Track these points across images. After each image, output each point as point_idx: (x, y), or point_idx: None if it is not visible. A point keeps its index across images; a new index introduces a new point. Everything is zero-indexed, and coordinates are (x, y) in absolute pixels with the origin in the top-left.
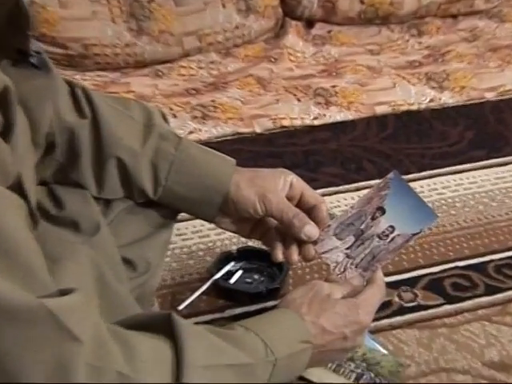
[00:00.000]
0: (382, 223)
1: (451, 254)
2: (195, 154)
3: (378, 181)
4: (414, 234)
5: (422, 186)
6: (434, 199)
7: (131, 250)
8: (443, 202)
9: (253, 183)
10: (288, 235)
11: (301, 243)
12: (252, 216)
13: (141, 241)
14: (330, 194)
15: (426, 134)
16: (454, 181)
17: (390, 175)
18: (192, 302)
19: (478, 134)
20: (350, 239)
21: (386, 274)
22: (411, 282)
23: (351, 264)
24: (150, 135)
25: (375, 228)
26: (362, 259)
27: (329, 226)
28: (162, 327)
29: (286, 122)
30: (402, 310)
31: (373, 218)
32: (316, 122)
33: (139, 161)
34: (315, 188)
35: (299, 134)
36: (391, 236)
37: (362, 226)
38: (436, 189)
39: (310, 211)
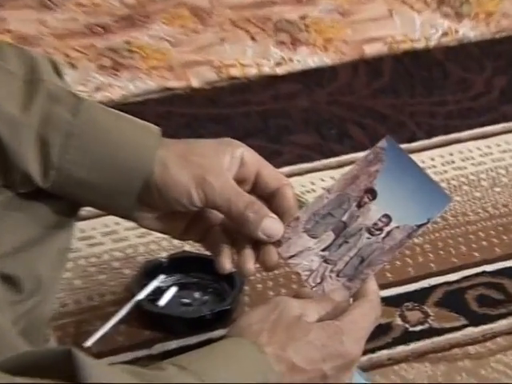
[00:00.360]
0: (373, 212)
1: (476, 254)
2: (102, 122)
3: (366, 152)
4: (420, 226)
5: (432, 159)
6: (450, 176)
7: (12, 262)
8: (463, 180)
9: (187, 161)
10: (240, 234)
11: (258, 245)
12: (186, 208)
13: (26, 249)
14: (300, 174)
15: (437, 83)
16: (479, 149)
17: (382, 143)
18: (105, 334)
19: None
20: (329, 236)
21: (383, 286)
22: (419, 297)
23: (331, 271)
24: (34, 95)
25: (363, 219)
26: (345, 264)
27: (297, 218)
28: (60, 369)
29: (235, 72)
30: (407, 337)
31: (359, 205)
32: (279, 71)
33: (20, 132)
34: (278, 165)
35: (255, 87)
36: (386, 229)
37: (345, 218)
38: (452, 161)
39: (271, 198)
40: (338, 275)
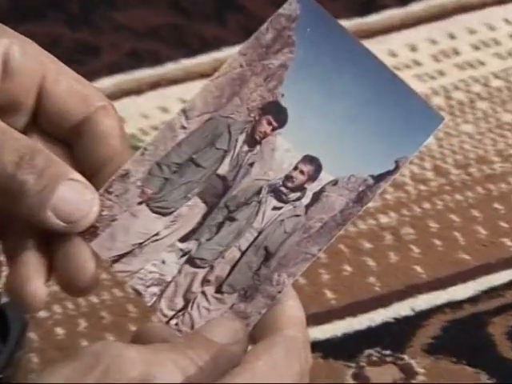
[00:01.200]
0: (282, 153)
1: (506, 240)
2: None
3: (258, 30)
4: (381, 178)
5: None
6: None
7: None
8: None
9: None
10: (10, 221)
11: (52, 243)
12: None
13: None
14: (138, 91)
15: None
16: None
17: (292, 3)
18: None
19: None
20: (192, 209)
21: (320, 316)
22: (395, 335)
23: (204, 283)
24: None
25: (262, 169)
26: (232, 266)
27: (125, 175)
28: None
29: None
30: None
31: (252, 141)
32: None
33: None
34: (93, 74)
35: None
36: (312, 188)
37: (224, 168)
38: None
39: (73, 140)
40: (218, 289)
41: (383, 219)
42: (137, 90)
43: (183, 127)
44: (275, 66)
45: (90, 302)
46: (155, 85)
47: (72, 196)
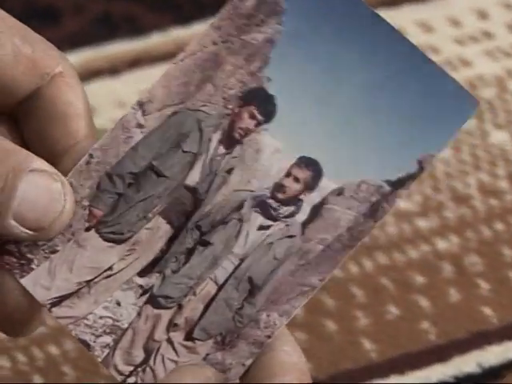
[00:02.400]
0: (270, 155)
1: None
2: None
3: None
4: (399, 184)
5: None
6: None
7: None
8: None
9: None
10: None
11: None
12: None
13: None
14: (114, 71)
15: None
16: None
17: None
18: None
19: None
20: (154, 233)
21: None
22: None
23: (171, 328)
24: None
25: (244, 176)
26: (208, 303)
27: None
28: None
29: None
30: None
31: (231, 140)
32: None
33: None
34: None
35: None
36: (309, 200)
37: (193, 177)
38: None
39: (22, 120)
40: (189, 335)
41: (441, 244)
42: (110, 70)
43: (139, 125)
44: (259, 42)
45: (47, 354)
46: (135, 62)
47: (38, 194)
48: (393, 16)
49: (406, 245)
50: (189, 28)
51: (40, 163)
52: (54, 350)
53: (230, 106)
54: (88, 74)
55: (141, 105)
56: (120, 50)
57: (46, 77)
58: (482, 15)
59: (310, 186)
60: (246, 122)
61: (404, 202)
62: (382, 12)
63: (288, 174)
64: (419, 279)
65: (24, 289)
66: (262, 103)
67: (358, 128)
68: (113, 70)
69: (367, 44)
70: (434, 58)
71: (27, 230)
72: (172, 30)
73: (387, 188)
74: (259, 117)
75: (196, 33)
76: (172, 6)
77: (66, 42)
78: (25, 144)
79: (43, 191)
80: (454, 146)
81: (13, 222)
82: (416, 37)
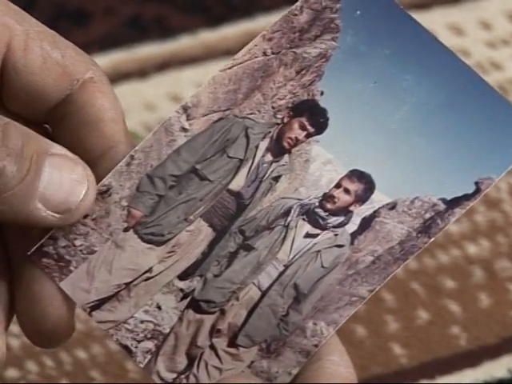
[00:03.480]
0: (320, 165)
1: None
2: None
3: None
4: (455, 202)
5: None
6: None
7: None
8: None
9: None
10: None
11: (14, 277)
12: None
13: None
14: (144, 73)
15: None
16: None
17: None
18: None
19: None
20: (195, 236)
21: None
22: None
23: (214, 334)
24: None
25: (292, 185)
26: (251, 309)
27: (105, 192)
28: None
29: None
30: None
31: (280, 149)
32: None
33: None
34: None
35: None
36: (360, 212)
37: (237, 182)
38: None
39: (54, 127)
40: (232, 342)
41: (471, 249)
42: (139, 73)
43: (183, 129)
44: (312, 57)
45: (75, 358)
46: (164, 65)
47: (61, 176)
48: (424, 19)
49: (436, 249)
50: (218, 30)
51: (60, 147)
52: (81, 354)
53: (280, 116)
54: (117, 77)
55: (185, 109)
56: (149, 53)
57: (76, 83)
58: None
59: (361, 199)
60: (296, 133)
61: None
62: (413, 15)
63: (338, 186)
64: (449, 284)
65: (65, 302)
66: (313, 115)
67: (413, 146)
68: (142, 72)
69: (424, 66)
70: (464, 61)
71: (54, 213)
72: (201, 33)
73: (442, 206)
74: (310, 128)
75: (228, 36)
76: (201, 8)
77: (96, 45)
78: None
79: (66, 174)
80: None
81: (39, 205)
82: (447, 40)
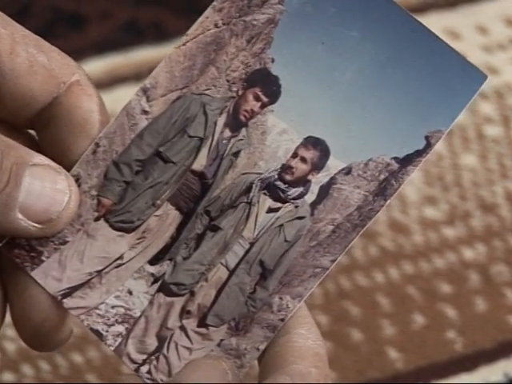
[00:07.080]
0: (277, 136)
1: None
2: None
3: None
4: (407, 160)
5: None
6: None
7: None
8: None
9: None
10: None
11: (5, 277)
12: None
13: None
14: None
15: None
16: None
17: None
18: None
19: None
20: (166, 220)
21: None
22: None
23: (184, 315)
24: None
25: (251, 158)
26: (220, 289)
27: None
28: None
29: None
30: None
31: (236, 122)
32: None
33: None
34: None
35: None
36: (318, 180)
37: (200, 161)
38: None
39: (40, 130)
40: (202, 322)
41: (467, 253)
42: (135, 77)
43: (144, 111)
44: (261, 23)
45: (71, 362)
46: None
47: (42, 186)
48: None
49: (432, 254)
50: None
51: (42, 157)
52: (77, 358)
53: (235, 89)
54: (113, 81)
55: (144, 91)
56: (146, 57)
57: (62, 86)
58: (510, 23)
59: (318, 166)
60: (251, 104)
61: (430, 211)
62: None
63: (295, 155)
64: (446, 288)
65: (52, 302)
66: (266, 84)
67: (364, 106)
68: (138, 76)
69: (370, 22)
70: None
71: (35, 224)
72: None
73: (395, 165)
74: (264, 98)
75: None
76: (197, 12)
77: (92, 49)
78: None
79: (48, 183)
80: (480, 155)
81: (20, 216)
82: None
